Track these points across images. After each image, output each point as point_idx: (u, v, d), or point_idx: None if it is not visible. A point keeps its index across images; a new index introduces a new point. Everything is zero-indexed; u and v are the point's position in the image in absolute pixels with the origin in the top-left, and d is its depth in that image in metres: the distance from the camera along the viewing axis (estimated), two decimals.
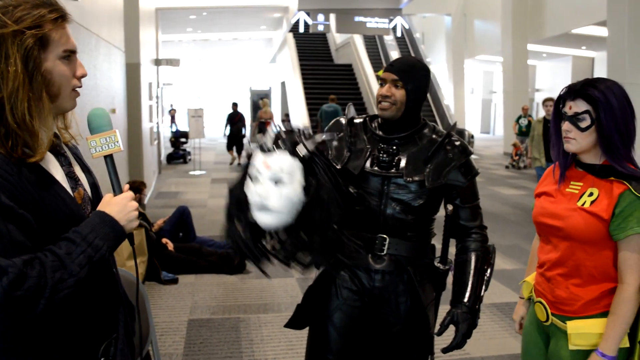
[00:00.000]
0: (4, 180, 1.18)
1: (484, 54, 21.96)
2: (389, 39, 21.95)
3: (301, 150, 1.67)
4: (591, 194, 1.81)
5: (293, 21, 17.18)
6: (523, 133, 14.29)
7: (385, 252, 2.09)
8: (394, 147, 2.10)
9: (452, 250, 2.08)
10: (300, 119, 16.29)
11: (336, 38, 22.87)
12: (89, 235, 1.27)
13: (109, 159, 1.42)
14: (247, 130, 15.82)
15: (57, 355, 1.32)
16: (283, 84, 22.78)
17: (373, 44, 22.09)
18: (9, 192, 1.18)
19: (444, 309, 2.15)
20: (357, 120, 2.23)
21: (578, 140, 1.81)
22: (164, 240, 5.61)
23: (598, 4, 14.23)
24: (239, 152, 14.81)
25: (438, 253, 2.18)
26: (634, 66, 11.93)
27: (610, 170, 1.79)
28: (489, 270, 2.15)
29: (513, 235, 7.22)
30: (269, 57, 27.82)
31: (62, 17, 1.30)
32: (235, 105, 15.33)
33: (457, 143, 2.12)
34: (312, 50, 22.35)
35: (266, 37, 25.02)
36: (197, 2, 16.45)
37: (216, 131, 22.96)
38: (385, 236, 2.09)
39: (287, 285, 5.17)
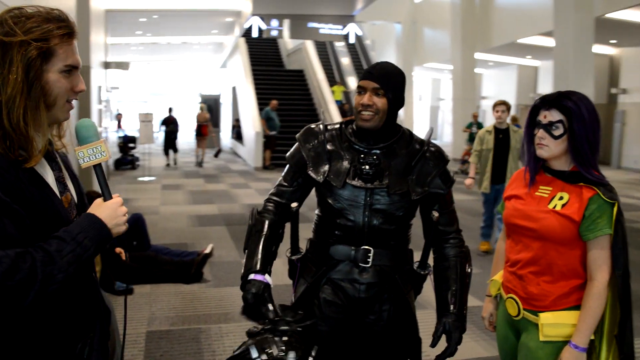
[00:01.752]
0: (0, 176, 1.25)
1: (433, 62, 22.35)
2: (339, 45, 22.10)
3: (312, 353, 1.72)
4: (561, 198, 1.94)
5: (246, 26, 17.06)
6: (473, 139, 14.64)
7: (370, 263, 2.06)
8: (375, 158, 2.05)
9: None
10: (251, 124, 16.18)
11: (287, 44, 22.86)
12: (79, 236, 1.32)
13: (97, 167, 1.47)
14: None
15: (35, 351, 1.35)
16: (234, 89, 22.59)
17: (324, 50, 22.18)
18: (5, 188, 1.24)
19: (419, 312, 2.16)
20: (330, 127, 2.18)
21: (551, 147, 1.94)
22: (118, 249, 5.42)
23: (543, 15, 14.70)
24: (174, 152, 16.27)
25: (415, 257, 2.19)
26: (578, 75, 12.36)
27: (579, 177, 1.92)
28: (469, 273, 2.16)
29: (466, 240, 7.30)
30: (220, 62, 27.55)
31: (69, 34, 1.36)
32: (170, 109, 16.59)
33: (434, 150, 2.12)
34: (263, 55, 22.26)
35: (217, 41, 24.74)
36: (148, 4, 16.14)
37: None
38: (369, 247, 2.06)
39: None
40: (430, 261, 2.18)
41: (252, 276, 1.93)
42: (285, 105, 17.93)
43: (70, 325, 1.42)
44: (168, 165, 16.11)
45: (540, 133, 1.96)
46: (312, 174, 2.10)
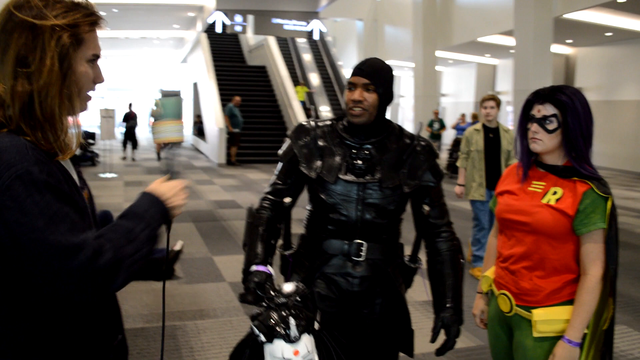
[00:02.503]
0: (49, 167, 1.19)
1: (394, 59, 22.56)
2: (301, 41, 22.07)
3: (316, 325, 1.72)
4: (555, 193, 1.94)
5: (210, 21, 16.87)
6: (435, 136, 14.89)
7: (363, 257, 2.09)
8: (367, 152, 2.08)
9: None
10: (214, 120, 16.04)
11: (249, 40, 22.72)
12: (146, 213, 1.31)
13: (170, 145, 1.48)
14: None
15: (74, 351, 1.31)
16: (195, 84, 22.34)
17: (286, 46, 22.13)
18: (55, 178, 1.19)
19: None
20: (321, 124, 2.20)
21: (544, 142, 1.94)
22: None
23: (503, 14, 15.00)
24: (134, 148, 16.62)
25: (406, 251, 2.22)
26: (538, 73, 12.65)
27: (572, 171, 1.93)
28: (462, 264, 2.20)
29: (411, 227, 7.39)
30: (180, 58, 27.20)
31: (96, 23, 1.30)
32: (130, 105, 16.79)
33: (424, 144, 2.16)
34: (224, 51, 22.09)
35: (178, 36, 24.43)
36: None
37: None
38: (362, 242, 2.08)
39: (220, 290, 5.06)
40: (422, 255, 2.22)
41: (254, 267, 1.93)
42: (248, 101, 17.84)
43: (103, 323, 1.39)
44: (124, 158, 16.29)
45: (534, 127, 1.96)
46: (305, 170, 2.12)
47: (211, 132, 17.02)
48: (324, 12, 19.35)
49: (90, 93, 1.34)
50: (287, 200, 2.13)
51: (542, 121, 1.94)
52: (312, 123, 2.20)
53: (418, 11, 18.19)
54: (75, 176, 1.34)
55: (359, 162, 2.06)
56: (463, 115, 15.88)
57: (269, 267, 1.97)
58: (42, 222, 1.12)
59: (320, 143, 2.14)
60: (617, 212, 1.91)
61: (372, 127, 2.09)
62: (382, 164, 2.08)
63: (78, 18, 1.25)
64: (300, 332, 1.60)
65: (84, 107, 1.34)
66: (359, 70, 2.04)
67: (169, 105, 1.45)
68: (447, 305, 2.09)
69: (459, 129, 15.36)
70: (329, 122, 2.20)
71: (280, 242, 2.24)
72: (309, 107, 18.64)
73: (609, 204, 1.87)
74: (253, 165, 15.78)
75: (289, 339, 1.58)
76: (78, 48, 1.26)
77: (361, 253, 2.08)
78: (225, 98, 16.84)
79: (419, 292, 4.29)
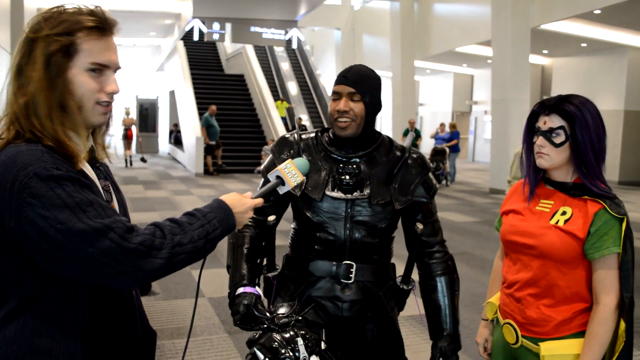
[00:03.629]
0: (67, 166, 1.20)
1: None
2: (279, 50, 21.99)
3: (322, 345, 1.66)
4: (564, 213, 1.78)
5: (187, 29, 16.71)
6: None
7: (352, 279, 1.96)
8: (355, 167, 1.96)
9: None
10: (191, 129, 15.85)
11: (227, 48, 22.57)
12: (209, 214, 1.32)
13: (279, 180, 1.57)
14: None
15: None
16: (172, 92, 22.10)
17: (264, 55, 22.03)
18: (74, 171, 1.20)
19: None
20: (305, 136, 2.07)
21: (552, 156, 1.78)
22: None
23: (481, 25, 15.10)
24: None
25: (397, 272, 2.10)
26: (515, 83, 12.73)
27: (583, 189, 1.77)
28: (457, 282, 2.09)
29: (402, 244, 7.32)
30: (156, 65, 26.91)
31: (98, 28, 1.27)
32: None
33: (416, 157, 2.04)
34: (202, 59, 21.91)
35: (155, 44, 24.18)
36: (84, 4, 15.53)
37: None
38: (352, 263, 1.96)
39: (200, 306, 4.89)
40: (414, 275, 2.11)
41: (241, 289, 1.81)
42: (226, 110, 17.70)
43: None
44: None
45: (539, 141, 1.79)
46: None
47: (188, 142, 16.81)
48: (302, 21, 19.30)
49: (102, 103, 1.30)
50: (272, 218, 2.00)
51: (548, 134, 1.77)
52: (296, 136, 2.06)
53: (396, 21, 18.23)
54: (99, 186, 1.34)
55: (347, 177, 1.94)
56: (442, 125, 15.90)
57: (257, 288, 1.85)
58: (67, 212, 1.13)
59: (306, 157, 2.00)
60: (632, 234, 1.74)
61: (359, 139, 1.96)
62: (371, 179, 1.96)
63: (73, 25, 1.24)
64: (310, 353, 1.49)
65: (95, 119, 1.31)
66: (343, 79, 1.91)
67: (303, 166, 1.63)
68: (445, 333, 1.97)
69: (437, 138, 15.37)
70: (313, 135, 2.07)
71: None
72: (298, 118, 18.49)
73: (624, 225, 1.70)
74: (231, 175, 15.60)
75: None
76: (72, 56, 1.24)
77: (350, 275, 1.95)
78: (202, 106, 16.66)
79: (407, 307, 4.17)
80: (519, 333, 1.86)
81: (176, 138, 20.63)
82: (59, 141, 1.23)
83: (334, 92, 1.94)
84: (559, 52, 18.12)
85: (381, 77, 2.01)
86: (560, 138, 1.76)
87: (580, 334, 1.77)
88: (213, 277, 5.70)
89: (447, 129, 15.72)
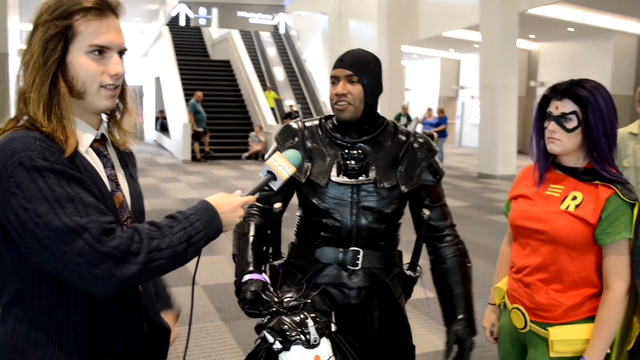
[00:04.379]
0: (57, 155, 1.17)
1: None
2: (265, 35, 21.82)
3: (333, 327, 1.63)
4: (575, 198, 1.76)
5: (173, 14, 16.52)
6: None
7: (359, 266, 1.94)
8: (360, 152, 1.94)
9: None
10: (178, 115, 15.72)
11: (212, 33, 22.35)
12: (192, 216, 1.25)
13: (270, 174, 1.48)
14: None
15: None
16: (157, 79, 21.88)
17: (249, 40, 21.85)
18: (64, 164, 1.17)
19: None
20: (309, 124, 2.05)
21: (563, 142, 1.76)
22: None
23: (469, 9, 15.06)
24: None
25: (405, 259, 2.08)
26: (503, 68, 12.75)
27: (594, 174, 1.76)
28: (470, 268, 2.06)
29: (410, 231, 7.36)
30: (141, 51, 26.63)
31: (96, 10, 1.24)
32: None
33: (422, 141, 2.02)
34: (187, 45, 21.68)
35: (139, 29, 23.90)
36: None
37: None
38: (358, 249, 1.94)
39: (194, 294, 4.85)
40: (423, 262, 2.08)
41: (247, 277, 1.79)
42: (213, 96, 17.55)
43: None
44: None
45: (551, 126, 1.76)
46: (294, 174, 1.97)
47: (175, 128, 16.68)
48: (288, 6, 19.17)
49: (108, 86, 1.28)
50: (277, 206, 1.98)
51: (560, 119, 1.74)
52: (300, 123, 2.04)
53: (383, 5, 18.14)
54: (103, 174, 1.30)
55: (352, 162, 1.92)
56: (430, 110, 15.90)
57: (264, 275, 1.83)
58: (45, 206, 1.11)
59: (309, 144, 1.99)
60: None
61: (362, 123, 1.94)
62: (376, 163, 1.94)
63: (70, 8, 1.22)
64: (320, 335, 1.47)
65: (101, 102, 1.28)
66: (340, 62, 1.90)
67: (293, 156, 1.54)
68: (459, 317, 1.94)
69: (425, 123, 15.38)
70: (316, 121, 2.05)
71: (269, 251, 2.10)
72: (290, 105, 18.33)
73: (636, 211, 1.69)
74: (219, 162, 15.52)
75: (308, 344, 1.46)
76: (70, 40, 1.22)
77: (357, 262, 1.93)
78: (188, 93, 16.51)
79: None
80: (528, 318, 1.85)
81: (162, 125, 20.46)
82: (49, 128, 1.21)
83: (332, 77, 1.92)
84: (546, 36, 18.17)
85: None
86: (572, 123, 1.74)
87: (590, 319, 1.76)
88: (206, 265, 5.68)
89: (435, 114, 15.73)
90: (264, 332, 1.52)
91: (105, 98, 1.28)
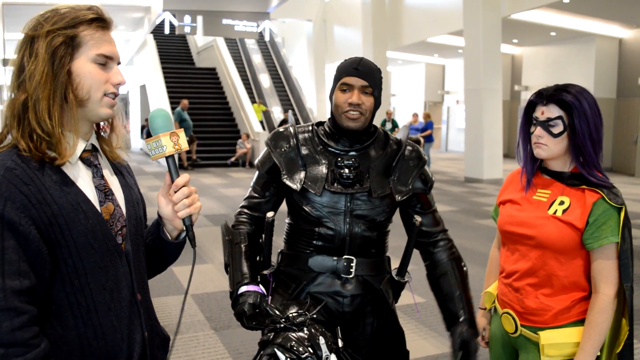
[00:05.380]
0: (17, 190, 1.17)
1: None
2: (250, 42, 21.82)
3: (340, 344, 1.64)
4: (562, 203, 1.78)
5: (158, 22, 16.48)
6: None
7: (352, 274, 1.94)
8: (354, 160, 1.94)
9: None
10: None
11: (198, 41, 22.31)
12: None
13: (170, 159, 1.37)
14: None
15: None
16: (143, 87, 21.79)
17: (235, 47, 21.84)
18: (20, 203, 1.17)
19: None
20: (301, 130, 2.04)
21: (550, 147, 1.78)
22: None
23: (452, 15, 15.17)
24: None
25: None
26: (488, 72, 12.85)
27: (580, 179, 1.78)
28: (466, 272, 2.07)
29: (398, 237, 7.37)
30: (126, 60, 26.51)
31: (99, 20, 1.28)
32: None
33: (412, 149, 2.04)
34: (172, 53, 21.63)
35: (124, 38, 23.79)
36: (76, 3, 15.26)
37: None
38: (352, 257, 1.94)
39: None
40: (411, 268, 2.09)
41: (244, 288, 1.77)
42: (199, 104, 17.51)
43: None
44: None
45: (537, 131, 1.79)
46: (288, 182, 1.96)
47: None
48: (273, 13, 19.19)
49: (110, 95, 1.31)
50: (270, 215, 1.96)
51: (546, 124, 1.77)
52: (291, 129, 2.03)
53: (367, 12, 18.22)
54: (88, 188, 1.30)
55: (346, 171, 1.91)
56: (415, 115, 15.97)
57: (260, 286, 1.81)
58: None
59: (304, 151, 1.98)
60: (630, 223, 1.75)
61: (359, 133, 1.95)
62: (370, 172, 1.94)
63: (74, 19, 1.25)
64: (329, 351, 1.47)
65: (103, 111, 1.30)
66: (355, 71, 1.87)
67: (151, 120, 1.37)
68: (461, 318, 1.94)
69: (411, 128, 15.44)
70: (309, 128, 2.04)
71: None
72: (285, 112, 18.25)
73: (622, 215, 1.71)
74: (206, 170, 15.46)
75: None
76: (77, 48, 1.25)
77: (351, 270, 1.93)
78: (174, 101, 16.47)
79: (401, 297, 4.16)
80: (518, 322, 1.86)
81: (148, 133, 20.33)
82: (52, 138, 1.22)
83: (344, 84, 1.89)
84: (529, 41, 18.34)
85: None
86: (558, 128, 1.76)
87: (579, 322, 1.79)
88: (196, 274, 5.64)
89: (421, 119, 15.80)
90: (275, 349, 1.50)
91: (106, 106, 1.30)
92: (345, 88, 1.90)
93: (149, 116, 1.38)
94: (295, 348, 1.46)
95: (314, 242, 1.96)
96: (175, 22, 16.09)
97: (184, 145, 1.36)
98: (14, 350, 1.12)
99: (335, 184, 1.92)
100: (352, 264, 1.94)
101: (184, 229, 1.42)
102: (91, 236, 1.25)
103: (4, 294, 1.13)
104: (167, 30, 16.92)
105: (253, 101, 18.19)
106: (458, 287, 1.99)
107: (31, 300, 1.18)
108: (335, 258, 1.94)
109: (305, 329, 1.52)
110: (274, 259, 2.09)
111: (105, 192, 1.34)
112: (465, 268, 2.05)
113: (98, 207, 1.30)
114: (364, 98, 1.88)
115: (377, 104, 1.92)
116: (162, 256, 1.51)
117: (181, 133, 1.36)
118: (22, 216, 1.16)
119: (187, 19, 16.05)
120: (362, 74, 1.87)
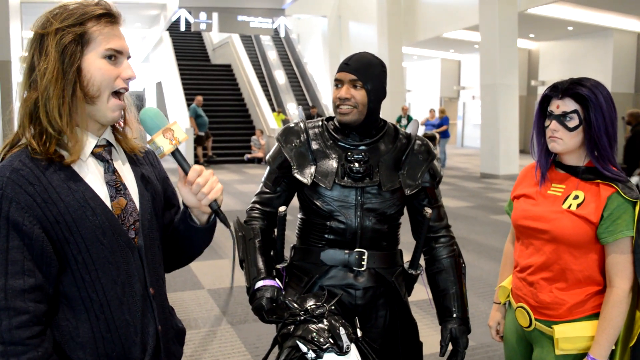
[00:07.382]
0: (22, 190, 1.19)
1: None
2: (265, 39, 21.86)
3: (358, 334, 1.65)
4: (577, 197, 1.78)
5: (173, 19, 16.56)
6: None
7: (364, 267, 1.97)
8: (364, 154, 1.97)
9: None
10: (181, 120, 15.75)
11: (213, 38, 22.39)
12: None
13: (175, 153, 1.37)
14: None
15: None
16: (159, 84, 21.92)
17: (250, 44, 21.88)
18: (25, 203, 1.19)
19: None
20: (312, 125, 2.07)
21: (565, 141, 1.78)
22: None
23: (468, 10, 15.09)
24: None
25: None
26: (504, 68, 12.76)
27: (595, 173, 1.78)
28: (464, 268, 2.10)
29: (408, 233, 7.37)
30: (142, 57, 26.67)
31: (107, 15, 1.28)
32: None
33: (421, 143, 2.06)
34: (188, 49, 21.74)
35: (140, 35, 23.92)
36: None
37: None
38: (363, 250, 1.97)
39: (200, 298, 4.89)
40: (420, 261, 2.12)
41: (261, 283, 1.80)
42: (214, 101, 17.58)
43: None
44: None
45: (552, 125, 1.77)
46: (299, 176, 1.99)
47: None
48: (288, 10, 19.20)
49: (121, 90, 1.31)
50: (282, 209, 2.00)
51: (561, 118, 1.76)
52: (302, 125, 2.06)
53: (382, 7, 18.16)
54: (98, 184, 1.31)
55: (356, 165, 1.94)
56: (432, 111, 15.91)
57: (277, 280, 1.84)
58: None
59: (314, 146, 2.01)
60: None
61: (365, 127, 1.97)
62: (380, 166, 1.97)
63: (83, 16, 1.25)
64: (350, 341, 1.49)
65: (109, 112, 1.30)
66: (345, 66, 1.92)
67: (144, 121, 1.37)
68: (454, 315, 1.99)
69: (428, 124, 15.39)
70: (319, 123, 2.07)
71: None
72: (312, 107, 18.25)
73: (638, 209, 1.70)
74: (222, 166, 15.54)
75: (341, 351, 1.47)
76: (86, 45, 1.25)
77: (362, 262, 1.96)
78: (190, 97, 16.55)
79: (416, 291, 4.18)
80: (532, 316, 1.87)
81: None
82: (64, 136, 1.24)
83: (336, 80, 1.94)
84: (545, 35, 18.19)
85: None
86: (574, 122, 1.76)
87: (594, 316, 1.79)
88: (210, 269, 5.70)
89: (437, 115, 15.75)
90: (297, 341, 1.52)
91: (114, 108, 1.30)
92: (337, 84, 1.94)
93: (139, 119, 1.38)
94: (316, 339, 1.48)
95: (326, 235, 1.98)
96: (191, 19, 16.14)
97: (182, 137, 1.35)
98: (12, 348, 1.15)
99: (346, 178, 1.95)
100: (363, 257, 1.96)
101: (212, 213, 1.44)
102: (100, 232, 1.26)
103: (5, 294, 1.16)
104: (182, 27, 16.97)
105: (268, 98, 18.23)
106: (454, 285, 2.03)
107: (39, 298, 1.20)
108: (347, 251, 1.96)
109: (324, 320, 1.54)
110: (287, 253, 2.11)
111: (116, 187, 1.34)
112: (463, 265, 2.09)
113: (108, 203, 1.30)
114: (354, 92, 1.90)
115: (372, 96, 1.92)
116: (192, 243, 1.53)
117: (174, 126, 1.35)
118: (26, 216, 1.18)
119: (203, 15, 16.09)
120: (351, 69, 1.90)
